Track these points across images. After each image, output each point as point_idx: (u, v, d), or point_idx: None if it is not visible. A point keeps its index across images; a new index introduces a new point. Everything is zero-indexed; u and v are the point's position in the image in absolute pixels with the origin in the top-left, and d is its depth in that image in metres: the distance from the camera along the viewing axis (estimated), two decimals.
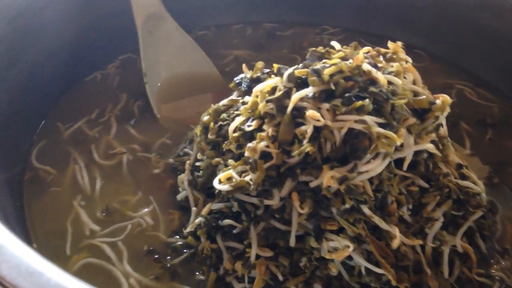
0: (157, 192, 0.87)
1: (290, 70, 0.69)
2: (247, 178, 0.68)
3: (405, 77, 0.74)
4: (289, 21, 1.38)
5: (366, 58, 0.70)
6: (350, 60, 0.68)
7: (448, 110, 0.69)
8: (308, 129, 0.64)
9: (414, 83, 0.74)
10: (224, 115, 0.80)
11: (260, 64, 0.83)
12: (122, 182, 0.89)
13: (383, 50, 0.73)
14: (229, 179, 0.70)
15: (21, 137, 0.94)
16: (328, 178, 0.63)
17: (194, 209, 0.79)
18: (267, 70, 0.84)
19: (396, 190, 0.69)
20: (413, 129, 0.68)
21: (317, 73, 0.66)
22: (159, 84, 1.09)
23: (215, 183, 0.71)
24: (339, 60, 0.67)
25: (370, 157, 0.65)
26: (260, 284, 0.69)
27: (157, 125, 1.02)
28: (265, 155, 0.67)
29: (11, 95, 0.90)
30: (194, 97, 1.09)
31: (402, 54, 0.73)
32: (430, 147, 0.69)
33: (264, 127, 0.68)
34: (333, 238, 0.67)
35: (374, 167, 0.65)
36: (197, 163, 0.82)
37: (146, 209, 0.84)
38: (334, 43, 0.75)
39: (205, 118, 0.82)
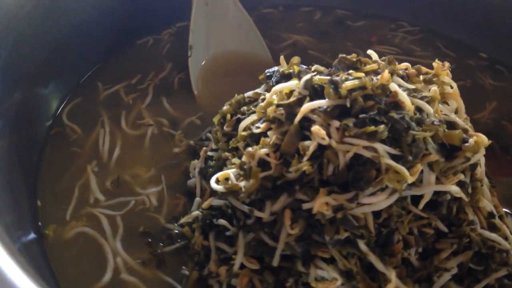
0: (170, 172, 0.85)
1: (308, 75, 0.62)
2: (242, 184, 0.63)
3: (447, 104, 0.64)
4: (364, 12, 1.28)
5: (402, 76, 0.61)
6: (379, 76, 0.59)
7: (482, 152, 0.58)
8: (311, 145, 0.57)
9: (456, 112, 0.64)
10: (244, 108, 0.75)
11: (295, 60, 0.75)
12: (140, 155, 0.88)
13: (424, 69, 0.63)
14: (227, 179, 0.66)
15: (57, 91, 0.95)
16: (320, 204, 0.56)
17: (197, 199, 0.76)
18: (305, 67, 0.77)
19: (406, 229, 0.61)
20: (436, 167, 0.58)
21: (335, 85, 0.58)
22: (205, 59, 1.06)
23: (212, 180, 0.67)
24: (363, 75, 0.59)
25: (375, 189, 0.57)
26: None
27: (192, 102, 0.99)
28: (264, 163, 0.62)
29: (54, 46, 0.91)
30: (239, 79, 1.04)
31: (446, 77, 0.62)
32: (454, 190, 0.59)
33: (269, 133, 0.62)
34: (323, 266, 0.61)
35: (378, 201, 0.57)
36: (211, 153, 0.78)
37: (154, 189, 0.82)
38: (371, 52, 0.66)
39: (225, 107, 0.77)
